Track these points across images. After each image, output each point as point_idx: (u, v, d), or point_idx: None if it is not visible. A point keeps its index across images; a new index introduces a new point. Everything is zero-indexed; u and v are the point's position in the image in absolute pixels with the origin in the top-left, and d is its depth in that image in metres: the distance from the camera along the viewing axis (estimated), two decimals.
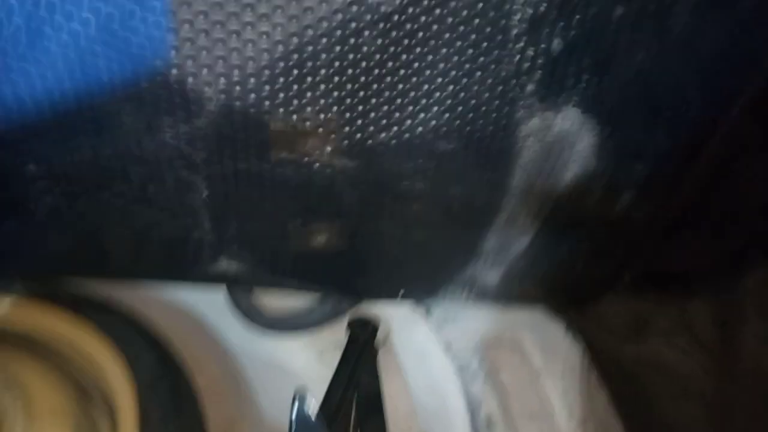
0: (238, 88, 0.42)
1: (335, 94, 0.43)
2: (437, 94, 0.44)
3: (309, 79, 0.42)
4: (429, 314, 0.72)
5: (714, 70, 0.43)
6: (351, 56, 0.41)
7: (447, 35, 0.41)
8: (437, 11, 0.40)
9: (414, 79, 0.43)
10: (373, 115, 0.44)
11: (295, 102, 0.43)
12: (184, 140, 0.44)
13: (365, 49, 0.41)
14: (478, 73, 0.43)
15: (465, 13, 0.40)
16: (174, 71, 0.41)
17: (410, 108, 0.44)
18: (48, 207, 0.49)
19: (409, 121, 0.45)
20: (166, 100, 0.42)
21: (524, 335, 0.69)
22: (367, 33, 0.40)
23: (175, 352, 0.66)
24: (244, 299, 0.71)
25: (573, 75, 0.43)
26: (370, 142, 0.46)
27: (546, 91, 0.43)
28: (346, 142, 0.45)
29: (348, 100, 0.43)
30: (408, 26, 0.40)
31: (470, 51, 0.42)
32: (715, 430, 0.52)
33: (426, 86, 0.43)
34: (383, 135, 0.45)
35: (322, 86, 0.42)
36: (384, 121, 0.45)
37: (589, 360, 0.66)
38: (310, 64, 0.41)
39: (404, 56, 0.42)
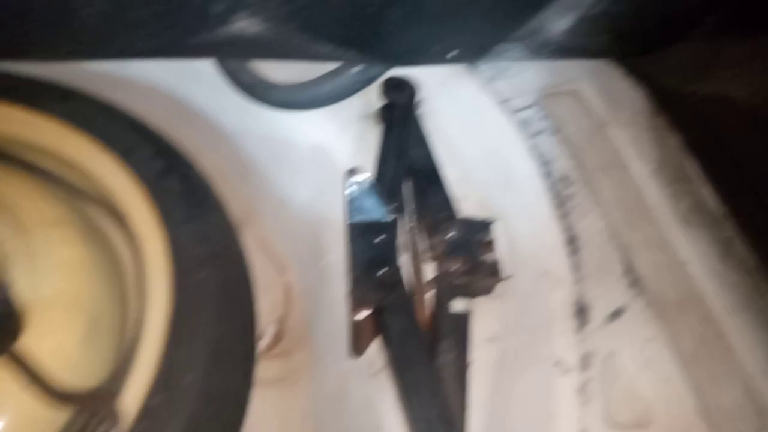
0: None
1: None
2: None
3: None
4: (474, 72, 0.63)
5: None
6: None
7: None
8: None
9: None
10: None
11: None
12: None
13: None
14: None
15: None
16: None
17: None
18: None
19: None
20: None
21: (583, 85, 0.62)
22: None
23: (171, 140, 0.59)
24: (243, 73, 0.60)
25: None
26: None
27: None
28: None
29: None
30: None
31: None
32: None
33: None
34: None
35: None
36: None
37: (655, 104, 0.60)
38: None
39: None
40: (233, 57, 0.53)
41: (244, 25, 0.41)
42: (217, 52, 0.46)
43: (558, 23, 0.49)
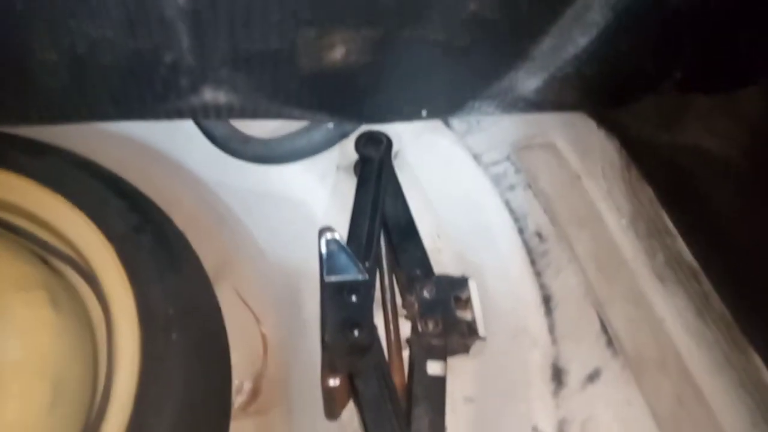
0: None
1: None
2: None
3: None
4: (448, 126, 0.64)
5: None
6: None
7: None
8: None
9: None
10: None
11: None
12: None
13: None
14: None
15: None
16: None
17: None
18: None
19: None
20: None
21: (556, 137, 0.62)
22: None
23: (146, 194, 0.58)
24: (218, 128, 0.61)
25: None
26: None
27: None
28: None
29: None
30: None
31: None
32: (754, 208, 0.50)
33: None
34: None
35: None
36: None
37: (626, 155, 0.60)
38: None
39: None
40: (207, 119, 0.54)
41: (214, 94, 0.41)
42: (190, 115, 0.46)
43: (528, 82, 0.50)
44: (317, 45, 0.38)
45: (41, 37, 0.34)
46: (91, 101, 0.43)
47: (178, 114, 0.45)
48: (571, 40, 0.45)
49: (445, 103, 0.52)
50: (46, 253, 0.58)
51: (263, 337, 0.70)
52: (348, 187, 0.62)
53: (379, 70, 0.43)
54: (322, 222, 0.60)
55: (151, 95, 0.41)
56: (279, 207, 0.66)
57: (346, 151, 0.64)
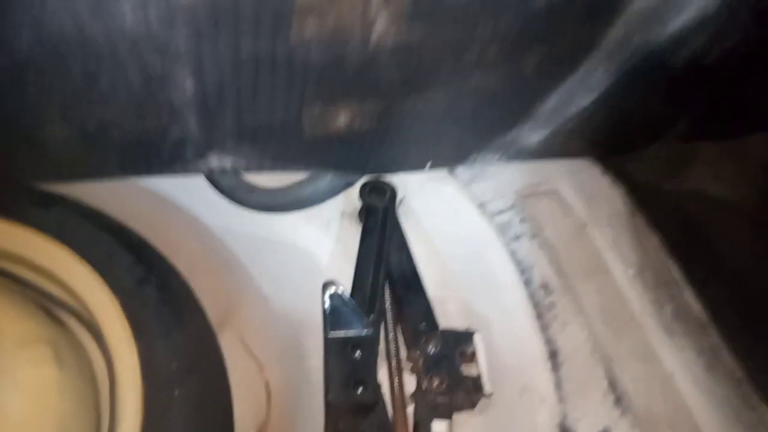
0: None
1: None
2: None
3: None
4: (454, 175, 0.64)
5: None
6: None
7: None
8: None
9: None
10: None
11: None
12: (154, 18, 0.31)
13: None
14: None
15: None
16: None
17: None
18: None
19: None
20: None
21: (561, 184, 0.62)
22: None
23: (152, 245, 0.58)
24: (224, 177, 0.61)
25: None
26: None
27: None
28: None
29: None
30: None
31: None
32: (762, 256, 0.51)
33: None
34: None
35: None
36: None
37: (633, 203, 0.61)
38: None
39: None
40: (213, 174, 0.54)
41: (220, 160, 0.42)
42: (196, 174, 0.47)
43: (533, 136, 0.50)
44: (322, 117, 0.39)
45: (52, 115, 0.35)
46: (100, 167, 0.43)
47: (185, 174, 0.45)
48: (575, 100, 0.45)
49: (449, 156, 0.52)
50: (51, 305, 0.58)
51: (266, 384, 0.70)
52: (352, 233, 0.62)
53: (384, 132, 0.44)
54: (327, 269, 0.60)
55: (158, 162, 0.41)
56: (284, 255, 0.66)
57: (351, 197, 0.64)
